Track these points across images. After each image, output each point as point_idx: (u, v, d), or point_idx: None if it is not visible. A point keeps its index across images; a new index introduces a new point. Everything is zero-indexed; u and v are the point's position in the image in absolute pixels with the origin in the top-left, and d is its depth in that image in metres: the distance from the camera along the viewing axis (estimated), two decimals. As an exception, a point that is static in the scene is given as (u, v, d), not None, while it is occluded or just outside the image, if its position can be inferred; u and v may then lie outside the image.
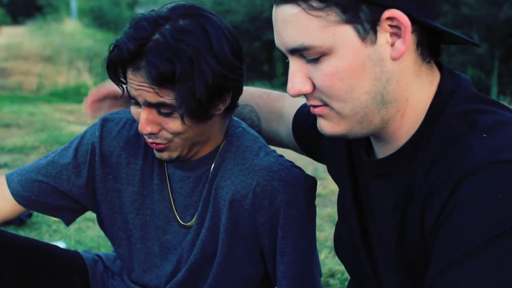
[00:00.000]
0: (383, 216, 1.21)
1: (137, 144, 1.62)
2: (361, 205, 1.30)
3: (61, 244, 2.99)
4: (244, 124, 1.61)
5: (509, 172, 0.99)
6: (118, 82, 1.46)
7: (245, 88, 1.78)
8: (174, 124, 1.42)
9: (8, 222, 3.26)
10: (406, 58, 1.11)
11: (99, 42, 14.59)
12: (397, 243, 1.17)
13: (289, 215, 1.49)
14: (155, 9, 1.46)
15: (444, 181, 1.04)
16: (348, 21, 1.06)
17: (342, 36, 1.07)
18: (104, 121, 1.64)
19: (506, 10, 9.96)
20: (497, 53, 9.56)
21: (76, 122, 7.39)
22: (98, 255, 1.82)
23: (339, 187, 1.41)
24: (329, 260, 2.99)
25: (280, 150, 1.67)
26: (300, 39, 1.09)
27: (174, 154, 1.49)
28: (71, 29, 16.69)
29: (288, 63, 1.16)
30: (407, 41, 1.08)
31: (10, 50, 14.30)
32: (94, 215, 1.70)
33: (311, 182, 1.53)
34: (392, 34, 1.08)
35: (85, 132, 1.65)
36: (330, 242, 3.15)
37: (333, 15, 1.06)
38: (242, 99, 1.71)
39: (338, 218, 1.42)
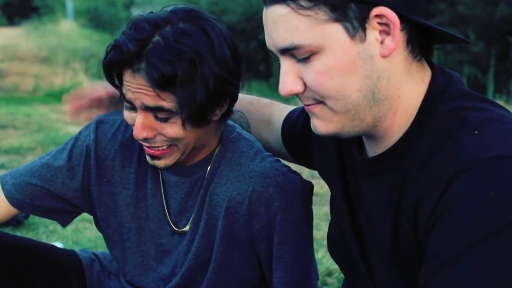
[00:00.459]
0: (376, 215, 1.21)
1: (131, 147, 1.60)
2: (353, 205, 1.30)
3: (58, 245, 2.99)
4: (239, 129, 1.59)
5: (500, 168, 1.00)
6: (114, 84, 1.44)
7: None
8: (172, 130, 1.40)
9: (5, 223, 3.26)
10: (396, 56, 1.11)
11: (95, 43, 14.56)
12: (391, 243, 1.17)
13: (286, 221, 1.48)
14: (153, 11, 1.43)
15: (436, 179, 1.05)
16: (337, 19, 1.07)
17: (331, 34, 1.08)
18: (99, 123, 1.61)
19: (502, 9, 9.97)
20: (493, 52, 9.56)
21: (73, 123, 7.36)
22: (95, 254, 1.81)
23: (330, 187, 1.41)
24: (326, 259, 2.99)
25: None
26: (290, 39, 1.09)
27: (170, 162, 1.47)
28: (67, 30, 16.66)
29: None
30: (396, 38, 1.08)
31: (6, 51, 14.26)
32: (91, 216, 1.70)
33: (308, 187, 1.52)
34: (381, 31, 1.09)
35: (79, 133, 1.63)
36: (327, 241, 3.15)
37: (321, 13, 1.07)
38: None
39: (331, 218, 1.42)
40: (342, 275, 2.87)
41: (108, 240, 1.68)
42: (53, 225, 3.54)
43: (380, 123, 1.15)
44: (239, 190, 1.50)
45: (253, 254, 1.55)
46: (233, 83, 1.42)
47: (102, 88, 1.65)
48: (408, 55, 1.13)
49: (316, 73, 1.10)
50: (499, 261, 0.97)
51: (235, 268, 1.55)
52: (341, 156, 1.34)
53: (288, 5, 1.09)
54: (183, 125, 1.39)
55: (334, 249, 1.40)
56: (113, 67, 1.40)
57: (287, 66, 1.13)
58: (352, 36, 1.08)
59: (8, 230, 3.27)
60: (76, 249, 1.84)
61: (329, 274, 2.88)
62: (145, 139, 1.42)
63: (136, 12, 16.76)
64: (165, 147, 1.44)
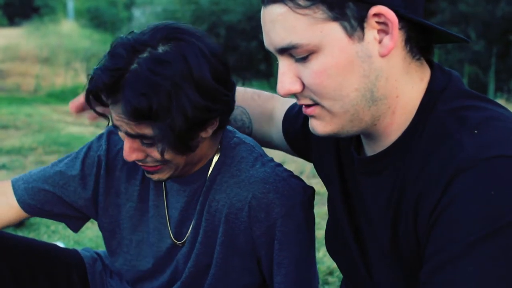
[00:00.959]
0: (376, 215, 1.21)
1: None
2: (351, 205, 1.30)
3: (60, 245, 2.99)
4: (239, 134, 1.57)
5: (500, 167, 1.00)
6: (98, 113, 1.43)
7: (236, 88, 1.78)
8: (159, 154, 1.40)
9: (7, 224, 3.26)
10: (395, 55, 1.11)
11: (96, 43, 14.56)
12: (391, 241, 1.17)
13: (286, 227, 1.47)
14: (135, 30, 1.40)
15: (437, 178, 1.04)
16: (335, 18, 1.07)
17: (329, 33, 1.07)
18: (110, 134, 1.62)
19: (503, 7, 9.96)
20: (494, 50, 9.55)
21: (74, 123, 7.38)
22: (97, 253, 1.82)
23: (328, 187, 1.40)
24: (327, 258, 2.99)
25: (283, 153, 1.65)
26: (288, 38, 1.09)
27: (164, 176, 1.47)
28: (68, 30, 16.66)
29: None
30: (395, 38, 1.08)
31: (7, 51, 14.26)
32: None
33: (309, 192, 1.51)
34: (379, 31, 1.09)
35: (92, 143, 1.64)
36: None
37: (319, 12, 1.07)
38: None
39: (329, 217, 1.42)
40: (343, 274, 2.88)
41: (111, 252, 1.68)
42: (55, 225, 3.54)
43: (379, 122, 1.15)
44: (239, 197, 1.49)
45: (253, 260, 1.54)
46: (215, 109, 1.38)
47: None
48: (406, 55, 1.13)
49: (314, 73, 1.10)
50: (499, 260, 0.97)
51: (235, 274, 1.55)
52: (339, 155, 1.34)
53: (286, 4, 1.08)
54: (162, 155, 1.38)
55: (334, 248, 1.40)
56: (94, 97, 1.39)
57: (285, 66, 1.13)
58: (350, 35, 1.08)
59: (10, 230, 3.28)
60: (77, 248, 1.84)
61: (330, 273, 2.88)
62: (136, 160, 1.43)
63: (137, 12, 16.76)
64: (157, 165, 1.44)
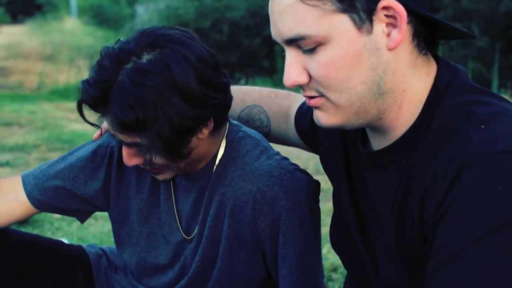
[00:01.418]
0: (382, 209, 1.21)
1: None
2: (357, 199, 1.30)
3: (64, 241, 3.00)
4: (244, 128, 1.57)
5: (507, 162, 0.99)
6: (90, 123, 1.46)
7: (252, 87, 1.77)
8: (156, 159, 1.41)
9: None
10: (402, 49, 1.11)
11: (99, 40, 14.56)
12: (396, 238, 1.17)
13: (290, 220, 1.47)
14: (121, 38, 1.40)
15: (443, 173, 1.04)
16: (344, 10, 1.07)
17: (338, 25, 1.07)
18: None
19: (506, 3, 9.94)
20: (498, 46, 9.53)
21: (78, 120, 7.36)
22: (102, 249, 1.82)
23: (333, 182, 1.40)
24: (331, 255, 2.99)
25: (287, 149, 1.65)
26: (296, 29, 1.09)
27: (168, 176, 1.49)
28: (71, 27, 16.68)
29: None
30: (403, 31, 1.08)
31: (10, 49, 14.29)
32: (96, 213, 1.71)
33: (314, 186, 1.51)
34: (388, 24, 1.08)
35: (105, 136, 1.65)
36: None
37: (329, 4, 1.07)
38: (251, 99, 1.70)
39: (334, 213, 1.41)
40: (347, 270, 2.88)
41: (119, 244, 1.69)
42: (58, 222, 3.55)
43: (385, 116, 1.15)
44: (243, 190, 1.49)
45: (258, 252, 1.54)
46: (202, 115, 1.38)
47: None
48: (414, 49, 1.13)
49: (321, 64, 1.10)
50: (505, 254, 0.96)
51: (241, 266, 1.55)
52: (345, 149, 1.34)
53: None
54: (151, 164, 1.41)
55: (338, 244, 1.40)
56: (86, 107, 1.40)
57: (292, 57, 1.13)
58: (359, 27, 1.07)
59: (14, 227, 3.28)
60: (82, 245, 1.85)
61: (334, 269, 2.88)
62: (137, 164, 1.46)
63: (140, 9, 16.75)
64: (157, 167, 1.46)
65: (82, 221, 1.71)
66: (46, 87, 10.73)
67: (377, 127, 1.18)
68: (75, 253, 1.77)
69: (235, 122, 1.59)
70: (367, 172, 1.25)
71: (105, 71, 1.34)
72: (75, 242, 3.21)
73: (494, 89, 8.65)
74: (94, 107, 1.37)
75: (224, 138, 1.53)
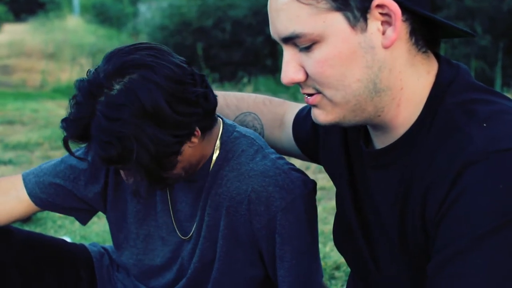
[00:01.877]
0: (384, 208, 1.21)
1: None
2: (359, 198, 1.30)
3: (67, 239, 3.00)
4: (239, 128, 1.57)
5: (509, 161, 0.99)
6: (77, 157, 1.51)
7: (247, 94, 1.77)
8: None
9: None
10: (399, 47, 1.11)
11: (102, 38, 14.58)
12: (398, 235, 1.17)
13: (286, 221, 1.46)
14: (91, 69, 1.40)
15: (445, 171, 1.04)
16: (338, 9, 1.07)
17: (332, 23, 1.08)
18: None
19: (509, 2, 9.92)
20: (501, 45, 9.50)
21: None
22: (104, 248, 1.83)
23: (336, 182, 1.40)
24: (334, 253, 2.99)
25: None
26: (291, 27, 1.10)
27: (173, 183, 1.51)
28: (74, 25, 16.70)
29: None
30: (398, 29, 1.08)
31: (13, 47, 14.30)
32: (99, 212, 1.71)
33: (310, 186, 1.50)
34: (383, 22, 1.09)
35: None
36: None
37: (323, 2, 1.07)
38: (245, 106, 1.70)
39: (337, 212, 1.41)
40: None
41: (117, 246, 1.69)
42: (61, 220, 3.56)
43: (383, 114, 1.15)
44: (238, 190, 1.49)
45: (255, 252, 1.54)
46: (180, 134, 1.38)
47: None
48: (411, 47, 1.13)
49: (317, 62, 1.10)
50: (508, 253, 0.96)
51: (239, 267, 1.55)
52: (347, 149, 1.34)
53: None
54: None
55: (340, 242, 1.40)
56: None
57: (289, 55, 1.14)
58: (353, 25, 1.08)
59: (17, 225, 3.28)
60: (85, 243, 1.85)
61: (337, 267, 2.88)
62: None
63: (142, 7, 16.75)
64: None
65: (84, 223, 1.72)
66: (49, 85, 10.74)
67: (378, 125, 1.18)
68: (78, 251, 1.77)
69: (230, 122, 1.58)
70: (370, 171, 1.25)
71: (81, 107, 1.35)
72: (77, 240, 3.21)
73: (497, 87, 8.63)
74: (79, 143, 1.40)
75: (219, 139, 1.53)
